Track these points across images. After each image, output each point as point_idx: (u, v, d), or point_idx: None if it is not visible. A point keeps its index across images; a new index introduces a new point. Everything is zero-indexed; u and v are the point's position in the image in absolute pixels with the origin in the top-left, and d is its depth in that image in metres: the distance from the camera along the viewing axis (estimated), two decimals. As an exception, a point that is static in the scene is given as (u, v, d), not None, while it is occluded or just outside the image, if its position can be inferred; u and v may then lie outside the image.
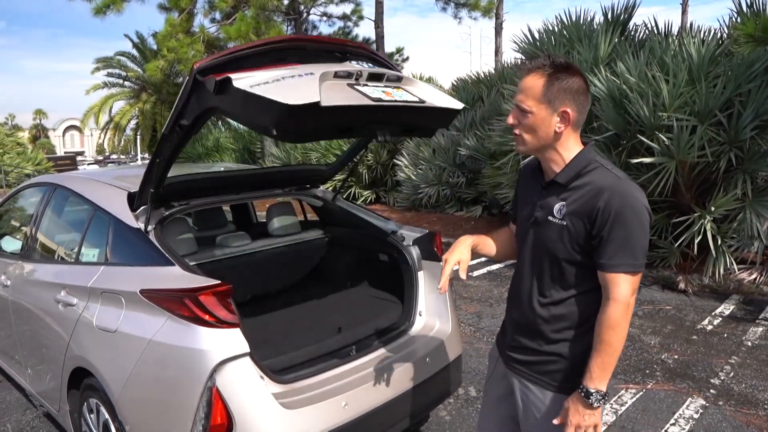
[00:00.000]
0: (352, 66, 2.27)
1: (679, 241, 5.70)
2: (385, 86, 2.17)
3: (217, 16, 16.08)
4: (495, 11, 18.49)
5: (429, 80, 17.66)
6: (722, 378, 3.86)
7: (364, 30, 23.15)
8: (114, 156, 51.17)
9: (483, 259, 6.97)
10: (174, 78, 21.51)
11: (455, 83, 12.33)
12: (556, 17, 7.71)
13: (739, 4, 5.73)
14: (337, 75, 2.03)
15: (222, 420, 2.00)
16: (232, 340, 2.05)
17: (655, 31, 7.32)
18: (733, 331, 4.71)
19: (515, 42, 7.92)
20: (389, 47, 22.90)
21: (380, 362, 2.51)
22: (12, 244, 3.52)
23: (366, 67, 2.19)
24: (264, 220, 3.66)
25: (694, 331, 4.75)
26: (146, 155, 32.25)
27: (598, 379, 1.57)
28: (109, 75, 28.27)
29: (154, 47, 21.62)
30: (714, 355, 4.23)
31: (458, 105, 2.36)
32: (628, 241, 1.53)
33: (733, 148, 5.52)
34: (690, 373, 3.94)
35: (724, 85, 5.53)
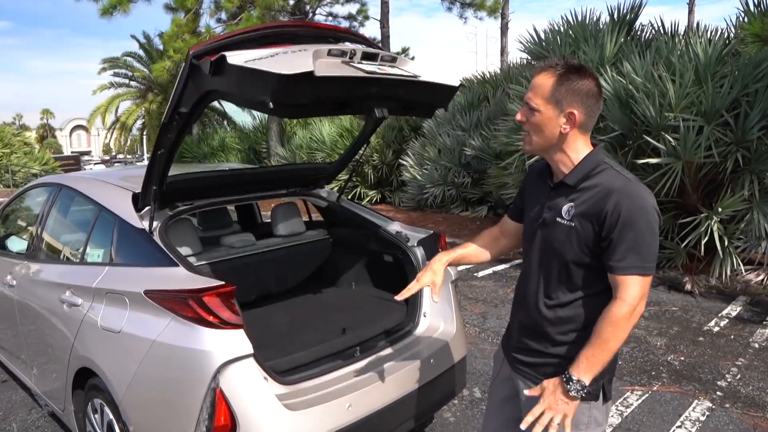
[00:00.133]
0: (346, 45, 2.28)
1: (686, 242, 5.67)
2: (380, 65, 2.17)
3: (223, 16, 16.17)
4: (501, 11, 18.45)
5: None
6: (729, 380, 3.83)
7: (370, 30, 23.36)
8: (120, 156, 51.41)
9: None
10: (180, 78, 21.56)
11: (461, 83, 12.30)
12: (562, 17, 7.74)
13: (746, 4, 5.71)
14: (331, 53, 2.03)
15: (226, 421, 2.00)
16: (236, 341, 2.05)
17: (662, 31, 7.28)
18: (740, 333, 4.68)
19: (521, 42, 7.91)
20: (395, 47, 22.98)
21: (384, 363, 2.50)
22: (18, 244, 3.54)
23: (360, 47, 2.20)
24: (269, 221, 3.66)
25: (700, 332, 4.72)
26: (152, 155, 32.35)
27: (583, 369, 1.55)
28: (116, 75, 28.50)
29: (161, 47, 21.72)
30: (720, 357, 4.21)
31: (454, 81, 2.36)
32: (637, 243, 1.53)
33: (740, 148, 5.49)
34: (696, 375, 3.91)
35: (731, 85, 5.49)
